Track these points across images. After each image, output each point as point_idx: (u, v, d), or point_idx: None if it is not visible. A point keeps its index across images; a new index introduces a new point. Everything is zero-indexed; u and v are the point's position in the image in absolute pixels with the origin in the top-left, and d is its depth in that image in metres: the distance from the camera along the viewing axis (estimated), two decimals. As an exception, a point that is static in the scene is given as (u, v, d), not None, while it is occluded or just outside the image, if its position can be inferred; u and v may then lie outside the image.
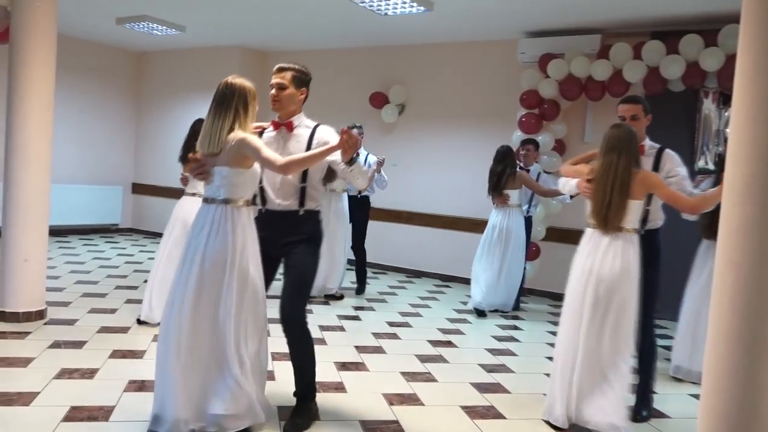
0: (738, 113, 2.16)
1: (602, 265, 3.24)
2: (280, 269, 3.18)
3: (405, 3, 6.08)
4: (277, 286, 3.12)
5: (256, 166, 2.88)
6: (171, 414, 2.72)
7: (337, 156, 2.92)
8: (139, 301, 5.47)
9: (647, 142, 3.57)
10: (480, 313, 5.97)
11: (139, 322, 4.77)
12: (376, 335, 4.97)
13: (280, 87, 3.07)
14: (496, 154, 6.01)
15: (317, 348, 3.17)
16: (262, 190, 3.10)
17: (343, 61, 8.42)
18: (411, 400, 3.59)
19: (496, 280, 6.00)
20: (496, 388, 3.91)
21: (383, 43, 8.07)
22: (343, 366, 4.09)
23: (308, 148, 3.04)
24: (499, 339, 5.17)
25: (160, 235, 9.64)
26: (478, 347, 4.87)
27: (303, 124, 3.13)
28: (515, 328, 5.61)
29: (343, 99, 8.34)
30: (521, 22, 6.67)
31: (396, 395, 3.64)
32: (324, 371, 3.90)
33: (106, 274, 6.63)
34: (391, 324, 5.40)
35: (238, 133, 2.78)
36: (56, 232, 8.86)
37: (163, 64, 9.92)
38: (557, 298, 6.87)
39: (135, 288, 6.08)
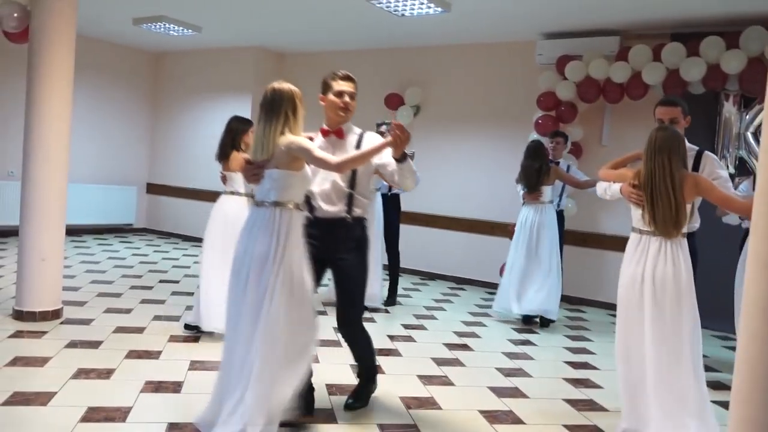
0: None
1: (655, 270, 3.13)
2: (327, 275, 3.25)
3: (422, 4, 6.06)
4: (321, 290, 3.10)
5: (307, 169, 2.91)
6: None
7: (384, 158, 3.00)
8: (154, 301, 5.52)
9: (687, 145, 3.48)
10: (526, 320, 5.79)
11: (187, 327, 4.61)
12: (392, 338, 4.94)
13: (352, 96, 3.17)
14: (528, 150, 5.79)
15: (333, 350, 3.23)
16: (308, 197, 3.11)
17: (358, 62, 8.39)
18: (428, 403, 3.55)
19: (537, 282, 5.66)
20: (514, 392, 3.86)
21: (399, 45, 8.04)
22: (354, 368, 4.05)
23: None
24: (516, 343, 5.12)
25: (174, 235, 9.88)
26: (494, 351, 4.82)
27: (352, 132, 3.21)
28: (531, 331, 5.55)
29: (358, 100, 8.24)
30: (538, 23, 6.62)
31: (413, 399, 3.60)
32: (340, 374, 3.88)
33: (121, 274, 6.65)
34: (407, 326, 5.36)
35: (288, 137, 2.82)
36: (71, 231, 8.86)
37: (180, 65, 9.96)
38: (571, 302, 6.84)
39: (150, 288, 6.09)
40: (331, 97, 3.15)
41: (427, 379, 3.97)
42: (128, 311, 5.12)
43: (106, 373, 3.62)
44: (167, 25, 7.91)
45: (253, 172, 2.90)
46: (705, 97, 6.07)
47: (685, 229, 3.21)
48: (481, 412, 3.48)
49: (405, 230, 8.02)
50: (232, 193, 4.71)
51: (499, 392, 3.84)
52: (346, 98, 3.14)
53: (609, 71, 6.31)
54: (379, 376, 3.91)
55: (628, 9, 5.87)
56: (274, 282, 2.75)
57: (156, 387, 3.48)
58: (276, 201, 2.82)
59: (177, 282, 6.51)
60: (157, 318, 4.95)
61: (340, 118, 3.15)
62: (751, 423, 2.08)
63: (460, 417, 3.40)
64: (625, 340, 3.26)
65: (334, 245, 3.10)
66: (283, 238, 2.79)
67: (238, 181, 4.64)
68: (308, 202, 3.11)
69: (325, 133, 3.17)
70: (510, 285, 5.75)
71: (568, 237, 6.78)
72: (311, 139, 3.15)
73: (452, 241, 7.83)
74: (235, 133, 4.69)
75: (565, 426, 3.38)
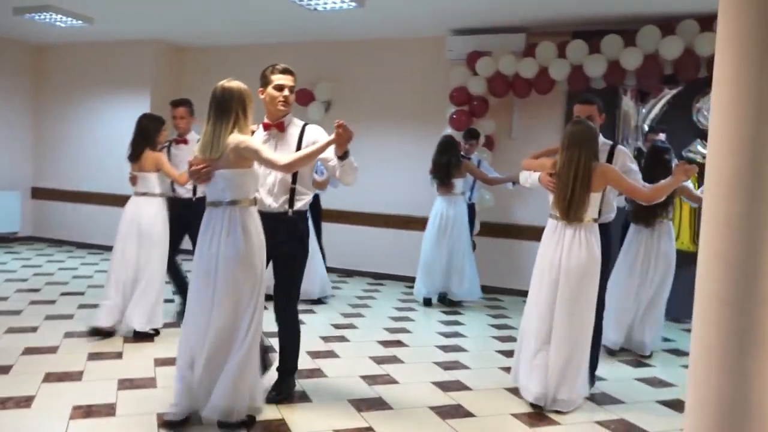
0: (719, 109, 2.22)
1: (569, 255, 3.41)
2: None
3: (336, -2, 5.97)
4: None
5: (256, 165, 2.95)
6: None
7: (326, 153, 3.05)
8: (60, 317, 5.09)
9: (600, 140, 3.70)
10: (427, 303, 6.21)
11: (96, 332, 4.47)
12: (325, 339, 4.85)
13: (291, 90, 3.20)
14: (439, 145, 6.10)
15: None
16: None
17: (267, 57, 7.99)
18: (378, 404, 3.51)
19: (446, 268, 6.13)
20: (457, 385, 3.91)
21: (309, 39, 7.89)
22: (300, 374, 3.94)
23: (299, 146, 3.15)
24: (446, 335, 5.19)
25: (66, 243, 9.17)
26: (428, 344, 4.86)
27: (292, 124, 3.25)
28: (457, 323, 5.66)
29: (266, 96, 8.07)
30: (448, 19, 6.73)
31: (362, 401, 3.55)
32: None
33: (15, 289, 6.07)
34: (337, 326, 5.29)
35: (237, 136, 2.83)
36: (-53, 243, 8.02)
37: (68, 59, 9.19)
38: (491, 291, 7.04)
39: (52, 302, 5.60)
40: (270, 90, 3.17)
41: (371, 379, 3.93)
42: (33, 329, 4.67)
43: (26, 401, 3.28)
44: (54, 16, 7.27)
45: (203, 171, 2.88)
46: (606, 92, 6.42)
47: (595, 216, 3.49)
48: (431, 408, 3.50)
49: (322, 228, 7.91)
50: (144, 194, 4.53)
51: (444, 386, 3.87)
52: (286, 92, 3.17)
53: (517, 67, 6.53)
54: (322, 380, 3.87)
55: (532, 7, 6.10)
56: (247, 280, 2.86)
57: (86, 412, 3.19)
58: (233, 200, 2.88)
59: (82, 294, 6.04)
60: (68, 335, 4.55)
61: (280, 111, 3.18)
62: (708, 401, 2.22)
63: (412, 415, 3.39)
64: (536, 317, 3.55)
65: (276, 239, 3.12)
66: (248, 238, 2.86)
67: (152, 181, 4.53)
68: None
69: (266, 127, 3.19)
70: (422, 269, 6.23)
71: (484, 228, 7.01)
72: (252, 132, 3.14)
73: (369, 237, 7.82)
74: (148, 132, 4.56)
75: (513, 415, 3.46)
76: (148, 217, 4.49)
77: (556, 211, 3.50)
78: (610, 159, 3.71)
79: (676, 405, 3.76)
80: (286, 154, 3.01)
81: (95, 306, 5.44)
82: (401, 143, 7.59)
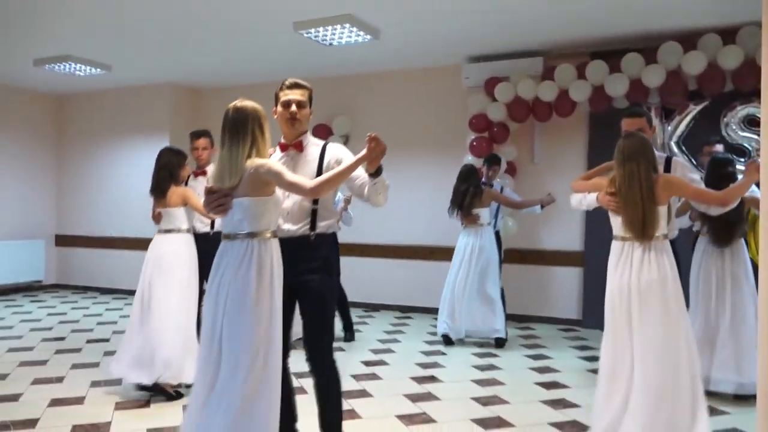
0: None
1: (640, 277, 3.13)
2: None
3: (351, 32, 5.96)
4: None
5: (278, 192, 2.66)
6: None
7: (355, 171, 2.72)
8: (86, 365, 5.00)
9: (655, 153, 3.52)
10: (448, 341, 5.79)
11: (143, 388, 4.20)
12: (356, 377, 4.70)
13: (301, 105, 2.86)
14: (460, 174, 5.87)
15: (299, 398, 2.89)
16: None
17: (281, 94, 8.17)
18: (417, 446, 3.36)
19: (476, 305, 5.73)
20: (497, 422, 3.73)
21: (324, 74, 7.91)
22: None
23: (320, 167, 2.82)
24: (481, 368, 5.01)
25: (90, 289, 9.15)
26: (463, 379, 4.69)
27: (311, 143, 2.93)
28: (491, 354, 5.48)
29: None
30: (464, 47, 6.71)
31: (400, 443, 3.40)
32: (311, 425, 3.59)
33: (41, 338, 6.01)
34: (367, 363, 5.14)
35: (255, 160, 2.55)
36: (-27, 295, 8.05)
37: (88, 106, 9.32)
38: (519, 320, 6.86)
39: (78, 350, 5.53)
40: (279, 108, 2.89)
41: (408, 419, 3.76)
42: (60, 380, 4.59)
43: (53, 457, 3.17)
44: (73, 65, 7.39)
45: (219, 202, 2.59)
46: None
47: (665, 231, 3.22)
48: (474, 448, 3.33)
49: (343, 263, 7.79)
50: (169, 231, 4.35)
51: (484, 423, 3.70)
52: (293, 107, 2.84)
53: (537, 90, 6.46)
54: (356, 421, 3.71)
55: (549, 30, 6.05)
56: (253, 325, 2.50)
57: (115, 465, 3.07)
58: (251, 232, 2.56)
59: (107, 340, 5.96)
60: (95, 384, 4.46)
61: (291, 129, 2.87)
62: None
63: (454, 456, 3.22)
64: (613, 352, 3.20)
65: (297, 268, 2.77)
66: (266, 275, 2.54)
67: (179, 217, 4.33)
68: None
69: (283, 148, 2.89)
70: (446, 305, 5.80)
71: (508, 255, 6.83)
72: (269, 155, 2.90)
73: (394, 270, 7.69)
74: (172, 166, 4.37)
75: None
76: (174, 254, 4.27)
77: (623, 232, 3.24)
78: (667, 171, 3.54)
79: (733, 434, 3.54)
80: (308, 177, 2.72)
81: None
82: (422, 173, 7.50)
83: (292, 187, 2.59)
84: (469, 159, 6.79)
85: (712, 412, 3.87)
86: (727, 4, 5.24)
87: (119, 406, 3.97)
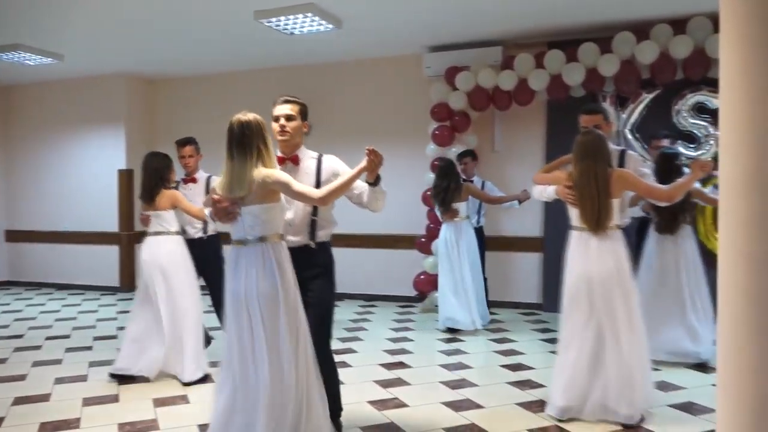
0: (730, 111, 2.21)
1: (599, 266, 3.39)
2: None
3: (313, 21, 5.94)
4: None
5: (283, 198, 2.83)
6: None
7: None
8: (49, 362, 4.89)
9: (610, 147, 3.69)
10: (453, 331, 5.85)
11: (112, 376, 4.35)
12: (326, 366, 4.73)
13: (289, 118, 3.03)
14: (438, 169, 5.96)
15: None
16: None
17: (243, 84, 8.08)
18: (392, 430, 3.42)
19: (464, 296, 5.87)
20: (468, 404, 3.83)
21: (286, 64, 7.86)
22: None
23: (318, 179, 3.02)
24: (448, 353, 5.12)
25: (45, 285, 8.91)
26: (431, 365, 4.78)
27: (308, 156, 3.10)
28: (457, 340, 5.59)
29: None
30: (424, 37, 6.76)
31: (376, 427, 3.46)
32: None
33: (-3, 336, 5.85)
34: (336, 352, 5.13)
35: (262, 170, 2.70)
36: None
37: (38, 98, 9.01)
38: (495, 306, 6.98)
39: (38, 348, 5.40)
40: (272, 123, 3.04)
41: (380, 404, 3.83)
42: (22, 378, 4.48)
43: (23, 455, 3.12)
44: (23, 54, 7.13)
45: (229, 210, 2.73)
46: (584, 100, 6.47)
47: (618, 222, 3.49)
48: (447, 429, 3.41)
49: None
50: (159, 233, 4.43)
51: (455, 406, 3.79)
52: (282, 121, 3.02)
53: (497, 79, 6.56)
54: (330, 409, 3.75)
55: (507, 20, 6.15)
56: (288, 319, 2.70)
57: (89, 461, 3.04)
58: (262, 236, 2.72)
59: (67, 337, 5.83)
60: (59, 381, 4.38)
61: (282, 143, 3.04)
62: (739, 400, 2.18)
63: (428, 438, 3.30)
64: (571, 332, 3.48)
65: (300, 273, 2.92)
66: (283, 273, 2.73)
67: (168, 219, 4.44)
68: None
69: (280, 161, 3.01)
70: (442, 298, 5.98)
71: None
72: None
73: (357, 259, 7.72)
74: (160, 170, 4.47)
75: (529, 430, 3.39)
76: (167, 254, 4.37)
77: (581, 223, 3.48)
78: (621, 164, 3.71)
79: (689, 408, 3.73)
80: (330, 184, 2.87)
81: (85, 349, 5.31)
82: (387, 162, 7.51)
83: (300, 196, 2.76)
84: (432, 148, 6.87)
85: (669, 387, 4.11)
86: (678, -5, 5.43)
87: (87, 402, 3.91)
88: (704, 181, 4.80)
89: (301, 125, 3.05)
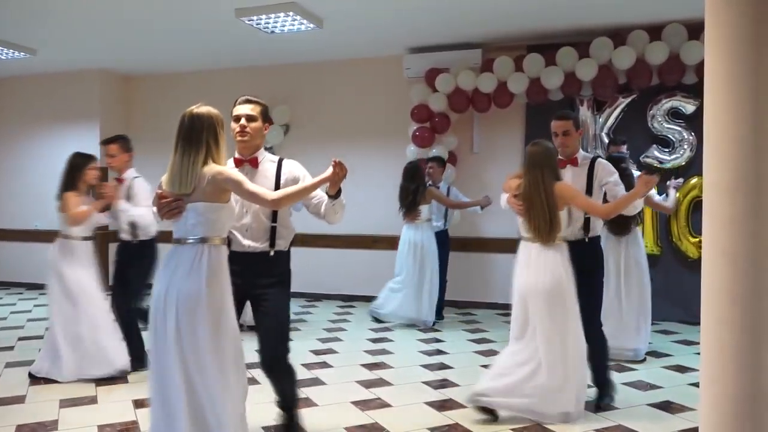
0: (714, 115, 2.27)
1: (535, 277, 3.45)
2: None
3: (295, 21, 5.92)
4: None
5: (233, 200, 2.67)
6: None
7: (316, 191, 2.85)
8: (22, 363, 4.78)
9: (581, 154, 3.78)
10: (377, 319, 6.26)
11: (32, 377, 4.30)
12: (307, 366, 4.71)
13: (250, 118, 2.90)
14: (405, 171, 6.05)
15: (251, 389, 2.91)
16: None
17: (221, 82, 7.99)
18: (375, 429, 3.42)
19: (415, 294, 6.05)
20: (451, 404, 3.85)
21: (265, 63, 7.81)
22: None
23: (277, 183, 2.92)
24: (429, 354, 5.13)
25: (15, 284, 8.70)
26: (412, 365, 4.79)
27: (267, 159, 3.00)
28: (437, 340, 5.62)
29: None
30: (405, 38, 6.78)
31: (359, 428, 3.45)
32: (269, 413, 3.60)
33: (-36, 337, 5.70)
34: (316, 352, 5.16)
35: (213, 167, 2.54)
36: None
37: (9, 93, 8.79)
38: (462, 306, 7.04)
39: (10, 348, 5.29)
40: (232, 122, 2.92)
41: (363, 405, 3.83)
42: (-6, 379, 4.38)
43: (0, 458, 3.04)
44: (-6, 48, 6.97)
45: (171, 207, 2.57)
46: (563, 103, 6.57)
47: (565, 234, 3.53)
48: (431, 429, 3.42)
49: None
50: (67, 237, 4.43)
51: (438, 406, 3.81)
52: (243, 121, 2.88)
53: (476, 82, 6.62)
54: (312, 409, 3.75)
55: (487, 23, 6.21)
56: (206, 324, 2.48)
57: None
58: (203, 237, 2.54)
59: (40, 337, 5.69)
60: (34, 382, 4.28)
61: (241, 144, 2.92)
62: (723, 398, 2.24)
63: (413, 438, 3.31)
64: (518, 335, 3.60)
65: (256, 280, 2.89)
66: (215, 280, 2.53)
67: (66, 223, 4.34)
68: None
69: (238, 163, 2.93)
70: (390, 292, 6.22)
71: (452, 243, 6.97)
72: None
73: (335, 260, 7.71)
74: (70, 172, 4.39)
75: (513, 429, 3.42)
76: (61, 257, 4.41)
77: (526, 233, 3.53)
78: (591, 172, 3.70)
79: (667, 407, 3.81)
80: (287, 188, 2.75)
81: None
82: (364, 163, 7.51)
83: (253, 197, 2.61)
84: (412, 149, 6.89)
85: (623, 369, 4.43)
86: (653, 2, 5.53)
87: (64, 404, 3.83)
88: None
89: (262, 127, 2.93)
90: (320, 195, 2.92)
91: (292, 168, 2.99)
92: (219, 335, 2.52)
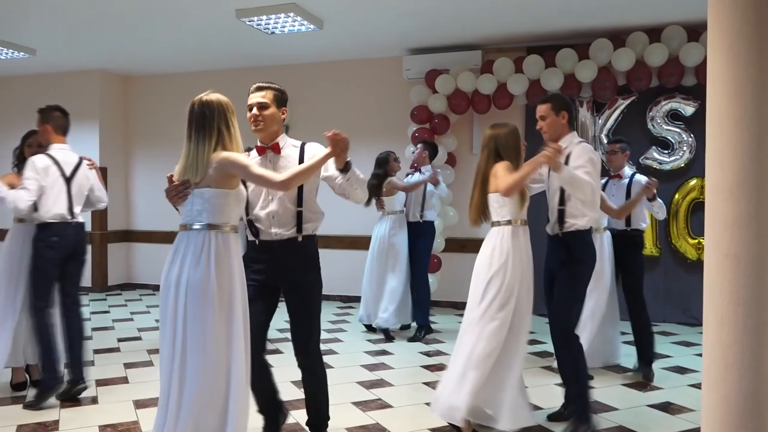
0: (715, 116, 2.28)
1: (478, 259, 3.36)
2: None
3: (295, 21, 5.92)
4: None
5: (242, 187, 2.63)
6: None
7: (330, 170, 2.80)
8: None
9: (568, 138, 3.44)
10: (369, 328, 5.94)
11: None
12: (307, 367, 4.72)
13: (262, 106, 2.84)
14: (375, 161, 5.84)
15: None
16: (251, 222, 2.84)
17: (220, 83, 7.90)
18: (376, 429, 3.42)
19: (372, 295, 5.77)
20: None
21: (265, 63, 7.81)
22: (290, 405, 3.80)
23: None
24: (429, 354, 5.14)
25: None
26: (412, 365, 4.80)
27: (289, 144, 2.93)
28: (436, 341, 5.62)
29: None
30: (405, 39, 6.79)
31: (360, 428, 3.45)
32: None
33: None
34: (316, 353, 5.16)
35: (219, 153, 2.50)
36: None
37: (7, 93, 8.78)
38: (459, 307, 7.04)
39: None
40: (248, 113, 2.88)
41: (364, 405, 3.84)
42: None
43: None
44: (-7, 48, 6.96)
45: (178, 191, 2.54)
46: (562, 105, 6.58)
47: (503, 218, 3.28)
48: (432, 429, 3.43)
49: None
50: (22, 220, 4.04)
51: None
52: (255, 110, 2.85)
53: (476, 83, 6.63)
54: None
55: (486, 24, 6.22)
56: (219, 316, 2.47)
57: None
58: (210, 223, 2.51)
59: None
60: (34, 383, 4.26)
61: (259, 132, 2.87)
62: (725, 400, 2.25)
63: (414, 439, 3.31)
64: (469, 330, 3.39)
65: (286, 269, 2.85)
66: (220, 265, 2.49)
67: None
68: (252, 225, 2.87)
69: (260, 151, 2.88)
70: (367, 295, 5.83)
71: (448, 244, 6.97)
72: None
73: (335, 260, 7.69)
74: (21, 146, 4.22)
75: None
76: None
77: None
78: (568, 158, 3.37)
79: (667, 408, 3.82)
80: (292, 168, 2.68)
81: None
82: (363, 164, 7.46)
83: (261, 180, 2.56)
84: (411, 150, 6.88)
85: (623, 370, 4.19)
86: (652, 4, 5.54)
87: (65, 404, 3.82)
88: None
89: (277, 112, 2.88)
90: (337, 174, 2.83)
91: (314, 150, 2.89)
92: (231, 327, 2.49)
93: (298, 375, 3.08)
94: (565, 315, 3.39)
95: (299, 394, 3.76)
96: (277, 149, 2.87)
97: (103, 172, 8.17)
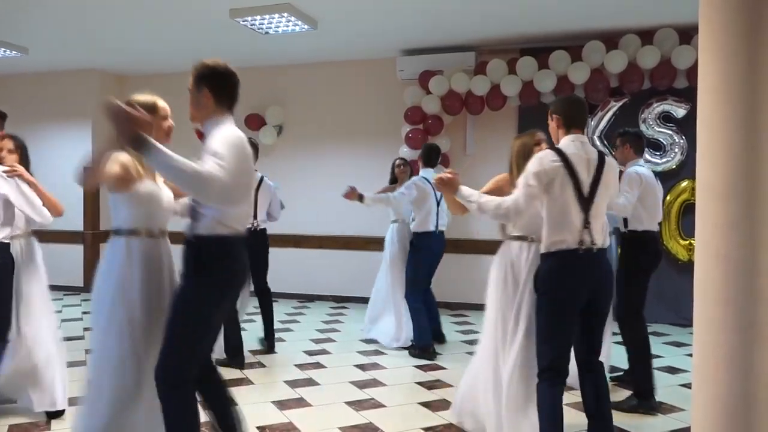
0: (706, 118, 2.30)
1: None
2: None
3: (289, 22, 5.92)
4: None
5: (141, 189, 2.67)
6: None
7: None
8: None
9: (562, 142, 3.24)
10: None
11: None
12: (301, 367, 4.72)
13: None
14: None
15: (245, 388, 2.81)
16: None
17: (212, 82, 7.98)
18: (369, 429, 3.43)
19: (381, 308, 5.56)
20: (445, 405, 3.85)
21: (258, 63, 7.79)
22: (284, 405, 3.81)
23: None
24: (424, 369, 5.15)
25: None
26: (405, 366, 4.81)
27: (212, 130, 2.49)
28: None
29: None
30: (398, 40, 6.80)
31: (352, 428, 3.46)
32: (263, 413, 3.61)
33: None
34: (309, 353, 5.17)
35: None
36: None
37: (3, 93, 8.72)
38: (454, 307, 7.06)
39: None
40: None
41: (357, 405, 3.84)
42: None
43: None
44: (-17, 47, 6.93)
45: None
46: (555, 106, 6.61)
47: (513, 232, 3.43)
48: (425, 429, 3.44)
49: (277, 254, 7.67)
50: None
51: (432, 407, 3.83)
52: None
53: (470, 84, 6.65)
54: (306, 409, 3.75)
55: (480, 26, 6.24)
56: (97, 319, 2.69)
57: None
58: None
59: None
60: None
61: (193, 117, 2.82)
62: (715, 400, 2.27)
63: (407, 438, 3.32)
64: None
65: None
66: (113, 275, 2.73)
67: None
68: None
69: (198, 136, 2.85)
70: (372, 307, 5.64)
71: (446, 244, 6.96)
72: None
73: (328, 261, 7.72)
74: None
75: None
76: None
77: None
78: None
79: (658, 407, 3.84)
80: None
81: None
82: (357, 164, 7.55)
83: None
84: (405, 151, 6.91)
85: (614, 369, 4.22)
86: (645, 6, 5.58)
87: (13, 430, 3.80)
88: None
89: (196, 95, 2.61)
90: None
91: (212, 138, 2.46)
92: (106, 332, 2.56)
93: (281, 395, 3.02)
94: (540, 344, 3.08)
95: (282, 417, 3.77)
96: (199, 135, 2.82)
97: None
